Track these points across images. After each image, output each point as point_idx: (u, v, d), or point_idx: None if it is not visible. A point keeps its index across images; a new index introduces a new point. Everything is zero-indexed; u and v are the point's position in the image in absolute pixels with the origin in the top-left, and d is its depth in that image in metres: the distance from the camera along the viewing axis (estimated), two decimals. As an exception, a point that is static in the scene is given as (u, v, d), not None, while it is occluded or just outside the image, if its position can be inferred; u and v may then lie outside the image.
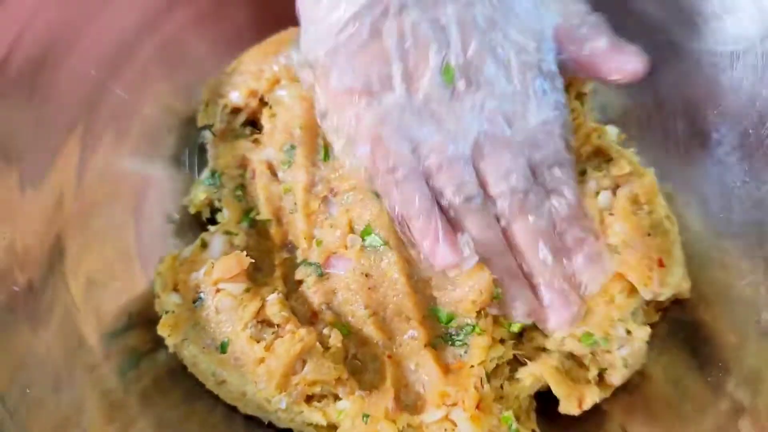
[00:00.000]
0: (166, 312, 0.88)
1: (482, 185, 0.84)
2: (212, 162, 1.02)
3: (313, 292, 0.88)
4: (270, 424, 0.90)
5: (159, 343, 0.89)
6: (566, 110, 0.89)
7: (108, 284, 0.91)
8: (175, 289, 0.91)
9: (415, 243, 0.85)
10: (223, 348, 0.86)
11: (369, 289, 0.86)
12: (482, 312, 0.84)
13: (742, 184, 0.91)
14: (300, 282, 0.90)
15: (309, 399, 0.85)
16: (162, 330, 0.87)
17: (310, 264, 0.89)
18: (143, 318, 0.92)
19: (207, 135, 1.04)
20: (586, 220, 0.87)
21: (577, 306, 0.84)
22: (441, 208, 0.84)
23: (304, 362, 0.84)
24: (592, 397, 0.84)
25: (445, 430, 0.81)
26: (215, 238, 0.94)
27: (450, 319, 0.85)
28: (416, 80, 0.82)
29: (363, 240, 0.87)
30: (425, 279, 0.86)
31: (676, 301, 0.92)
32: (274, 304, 0.85)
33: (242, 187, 1.00)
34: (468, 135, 0.83)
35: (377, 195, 0.88)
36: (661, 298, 0.87)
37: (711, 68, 0.94)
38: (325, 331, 0.85)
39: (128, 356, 0.89)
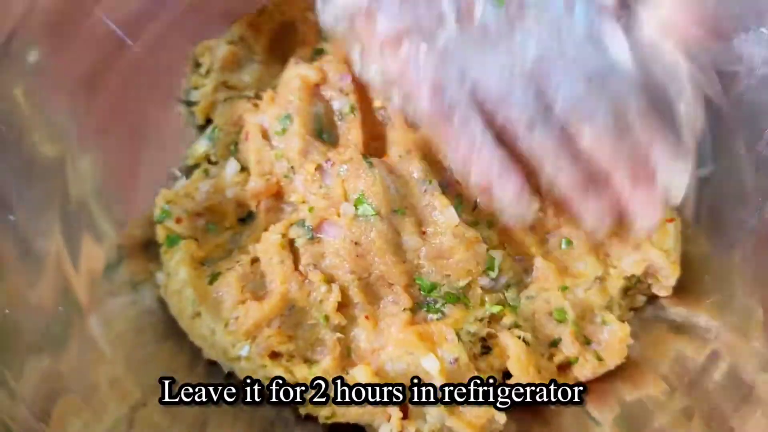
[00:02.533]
0: (175, 236, 0.94)
1: (546, 107, 0.77)
2: (216, 119, 1.05)
3: (301, 253, 0.89)
4: (229, 375, 0.91)
5: (144, 279, 0.93)
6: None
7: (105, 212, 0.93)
8: (178, 220, 0.94)
9: (482, 187, 0.78)
10: (212, 279, 0.89)
11: (357, 256, 0.88)
12: (472, 283, 0.87)
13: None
14: (292, 240, 0.91)
15: (274, 355, 0.87)
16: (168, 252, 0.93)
17: (303, 226, 0.90)
18: (135, 249, 0.95)
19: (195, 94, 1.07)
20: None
21: (661, 203, 0.77)
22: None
23: (281, 319, 0.86)
24: None
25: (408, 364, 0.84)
26: (230, 162, 0.99)
27: (432, 289, 0.88)
28: (468, 11, 0.75)
29: (356, 209, 0.89)
30: (414, 249, 0.88)
31: (650, 300, 0.96)
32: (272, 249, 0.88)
33: (236, 144, 1.03)
34: (526, 59, 0.76)
35: (371, 165, 0.90)
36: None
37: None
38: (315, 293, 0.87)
39: (115, 291, 0.91)
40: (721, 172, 0.94)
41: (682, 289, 0.93)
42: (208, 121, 1.07)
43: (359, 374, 0.83)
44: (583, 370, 0.88)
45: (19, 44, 0.83)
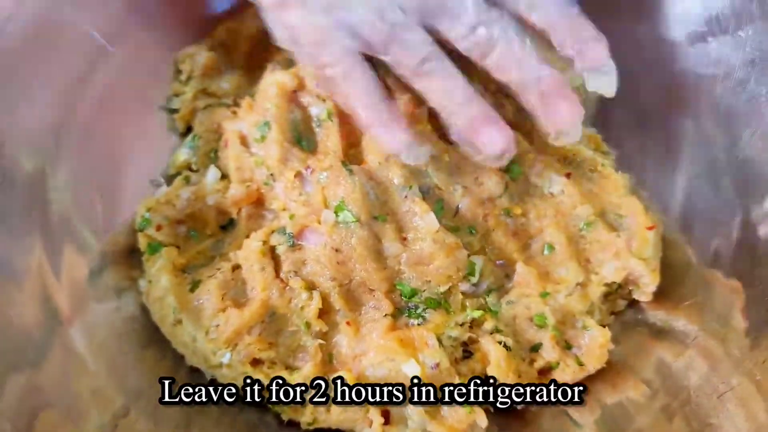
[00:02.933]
0: (156, 244, 0.94)
1: (439, 42, 0.84)
2: (195, 127, 1.05)
3: (282, 260, 0.90)
4: (212, 381, 0.90)
5: (127, 286, 0.93)
6: None
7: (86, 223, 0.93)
8: (158, 228, 0.94)
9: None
10: (194, 286, 0.89)
11: (338, 263, 0.88)
12: (452, 289, 0.88)
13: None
14: (273, 247, 0.91)
15: (256, 362, 0.87)
16: (150, 259, 0.93)
17: (284, 233, 0.90)
18: (117, 257, 0.95)
19: (176, 102, 1.07)
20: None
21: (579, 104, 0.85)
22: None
23: (262, 326, 0.86)
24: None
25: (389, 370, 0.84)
26: (210, 170, 0.99)
27: (413, 294, 0.88)
28: None
29: (336, 216, 0.89)
30: (394, 255, 0.89)
31: (631, 304, 0.96)
32: (252, 256, 0.89)
33: (215, 152, 1.03)
34: None
35: (351, 172, 0.90)
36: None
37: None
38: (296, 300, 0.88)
39: (99, 298, 0.90)
40: (699, 177, 0.95)
41: (662, 294, 0.94)
42: (189, 128, 1.07)
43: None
44: (564, 375, 0.88)
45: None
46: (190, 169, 1.03)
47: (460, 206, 0.92)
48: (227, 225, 0.97)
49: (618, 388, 0.89)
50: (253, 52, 1.09)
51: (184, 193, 0.97)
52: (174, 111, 1.07)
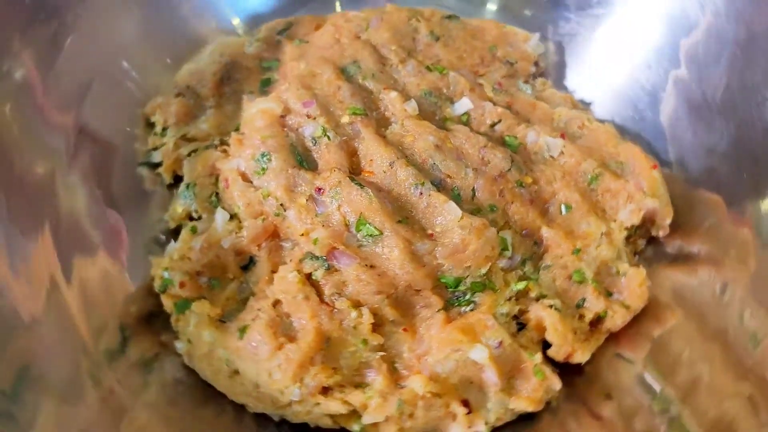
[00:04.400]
0: (183, 301, 0.91)
1: None
2: (186, 175, 1.02)
3: (323, 284, 0.89)
4: (281, 422, 0.89)
5: (160, 352, 0.90)
6: None
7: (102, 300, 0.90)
8: (182, 285, 0.91)
9: None
10: (241, 333, 0.87)
11: (378, 276, 0.88)
12: (492, 268, 0.90)
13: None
14: (308, 275, 0.90)
15: (325, 391, 0.85)
16: (180, 319, 0.90)
17: (317, 258, 0.90)
18: (137, 328, 0.92)
19: (157, 154, 1.05)
20: None
21: None
22: None
23: (322, 353, 0.85)
24: (579, 357, 0.90)
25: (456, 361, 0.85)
26: (218, 213, 0.96)
27: (457, 283, 0.90)
28: None
29: (358, 232, 0.89)
30: (429, 252, 0.89)
31: (651, 239, 1.01)
32: (292, 288, 0.88)
33: (216, 194, 1.00)
34: None
35: (361, 185, 0.90)
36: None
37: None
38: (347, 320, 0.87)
39: (135, 369, 0.88)
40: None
41: (677, 225, 0.99)
42: (175, 178, 1.04)
43: (416, 384, 0.83)
44: (615, 321, 0.92)
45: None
46: (191, 218, 1.00)
47: (475, 188, 0.94)
48: (248, 264, 0.95)
49: (661, 321, 0.94)
50: (220, 88, 1.08)
51: (195, 243, 0.94)
52: (156, 165, 1.04)
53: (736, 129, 0.95)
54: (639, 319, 0.94)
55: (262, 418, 0.90)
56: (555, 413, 0.90)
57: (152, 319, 0.94)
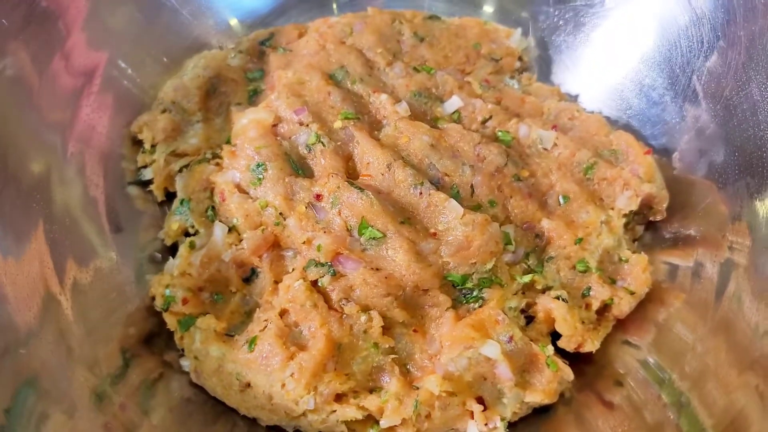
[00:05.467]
0: (187, 318, 0.90)
1: None
2: (180, 191, 1.01)
3: (330, 290, 0.88)
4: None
5: (165, 372, 0.89)
6: None
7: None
8: (185, 301, 0.90)
9: None
10: (251, 345, 0.85)
11: (385, 278, 0.88)
12: (498, 262, 0.90)
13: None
14: (314, 282, 0.89)
15: (339, 398, 0.85)
16: (185, 336, 0.89)
17: (321, 264, 0.89)
18: (137, 350, 0.89)
19: (147, 172, 1.03)
20: None
21: None
22: None
23: (334, 360, 0.84)
24: (590, 346, 0.90)
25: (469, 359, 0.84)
26: (216, 226, 0.95)
27: (464, 280, 0.90)
28: None
29: (361, 235, 0.89)
30: (433, 251, 0.89)
31: (648, 225, 1.02)
32: (299, 296, 0.87)
33: (212, 208, 0.99)
34: None
35: (361, 189, 0.90)
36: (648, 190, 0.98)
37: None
38: (357, 325, 0.87)
39: (139, 391, 0.85)
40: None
41: (673, 209, 1.00)
42: (167, 195, 1.03)
43: (431, 384, 0.83)
44: (621, 308, 0.92)
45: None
46: (188, 234, 0.99)
47: (473, 184, 0.94)
48: (250, 276, 0.94)
49: (666, 304, 0.94)
50: (207, 101, 1.07)
51: (195, 259, 0.93)
52: (147, 183, 1.02)
53: (723, 110, 0.96)
54: (643, 305, 0.94)
55: (275, 430, 0.89)
56: (569, 404, 0.90)
57: (153, 339, 0.92)
